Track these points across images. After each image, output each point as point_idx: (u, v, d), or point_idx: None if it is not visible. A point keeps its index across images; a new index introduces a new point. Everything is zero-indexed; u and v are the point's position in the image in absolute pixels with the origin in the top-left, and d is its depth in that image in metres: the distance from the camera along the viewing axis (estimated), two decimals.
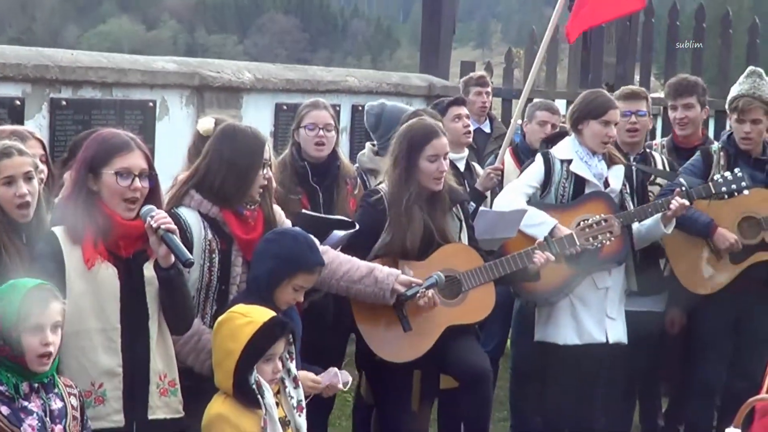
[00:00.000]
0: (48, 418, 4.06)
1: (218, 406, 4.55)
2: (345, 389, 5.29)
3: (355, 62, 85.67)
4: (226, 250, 5.11)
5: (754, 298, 6.78)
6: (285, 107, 9.13)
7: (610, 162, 6.74)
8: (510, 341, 7.62)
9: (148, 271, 4.57)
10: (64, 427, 4.11)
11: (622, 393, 7.17)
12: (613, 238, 6.44)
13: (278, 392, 4.70)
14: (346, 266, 5.65)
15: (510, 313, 7.26)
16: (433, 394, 6.38)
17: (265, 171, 5.16)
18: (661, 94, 9.37)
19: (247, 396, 4.51)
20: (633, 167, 6.91)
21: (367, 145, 7.21)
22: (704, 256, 6.80)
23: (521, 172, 6.97)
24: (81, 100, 7.31)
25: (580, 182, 6.67)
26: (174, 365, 4.71)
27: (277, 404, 4.63)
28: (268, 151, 5.21)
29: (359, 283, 5.65)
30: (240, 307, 4.68)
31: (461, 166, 7.22)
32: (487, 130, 8.99)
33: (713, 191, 6.62)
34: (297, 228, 5.30)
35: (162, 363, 4.62)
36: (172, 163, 6.28)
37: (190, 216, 5.08)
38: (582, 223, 6.46)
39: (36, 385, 4.08)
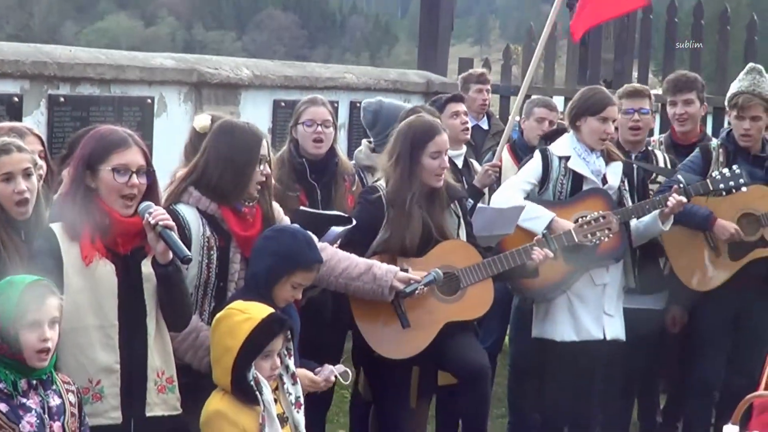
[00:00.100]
0: (46, 415, 4.06)
1: (216, 403, 4.56)
2: (346, 382, 5.29)
3: (354, 58, 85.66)
4: (224, 247, 5.12)
5: (754, 294, 6.78)
6: (283, 104, 9.13)
7: (609, 159, 6.73)
8: (508, 338, 7.62)
9: (146, 267, 4.57)
10: (63, 424, 4.11)
11: (620, 390, 7.17)
12: (611, 235, 6.44)
13: (276, 389, 4.70)
14: (345, 263, 5.64)
15: (508, 310, 7.26)
16: (431, 391, 6.38)
17: (262, 167, 5.15)
18: (658, 91, 9.36)
19: (245, 392, 4.51)
20: (634, 165, 6.91)
21: (364, 142, 7.21)
22: (703, 253, 6.80)
23: (519, 168, 6.97)
24: (79, 97, 7.31)
25: (578, 179, 6.67)
26: (172, 362, 4.70)
27: (276, 401, 4.63)
28: (266, 147, 5.21)
29: (358, 280, 5.65)
30: (238, 304, 4.68)
31: (459, 162, 7.23)
32: (485, 126, 8.99)
33: (711, 188, 6.62)
34: (295, 225, 5.30)
35: (160, 360, 4.62)
36: (170, 159, 6.28)
37: (188, 213, 5.08)
38: (580, 219, 6.46)
39: (34, 382, 4.08)
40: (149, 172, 4.59)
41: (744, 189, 6.62)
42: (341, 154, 6.68)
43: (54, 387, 4.16)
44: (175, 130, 7.70)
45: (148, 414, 4.56)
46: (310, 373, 5.06)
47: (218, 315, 4.67)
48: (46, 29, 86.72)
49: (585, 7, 8.19)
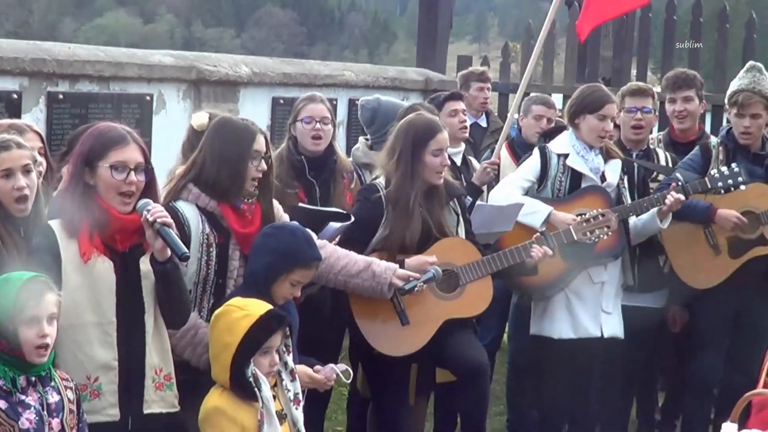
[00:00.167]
0: (45, 412, 4.07)
1: (215, 399, 4.56)
2: (347, 380, 5.29)
3: (352, 56, 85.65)
4: (223, 244, 5.12)
5: (754, 292, 6.78)
6: (282, 101, 9.14)
7: (607, 156, 6.74)
8: (507, 335, 7.62)
9: (144, 265, 4.57)
10: (61, 421, 4.12)
11: (619, 388, 7.17)
12: (610, 233, 6.44)
13: (275, 385, 4.70)
14: (344, 260, 5.65)
15: (507, 307, 7.27)
16: (430, 388, 6.39)
17: (257, 163, 5.14)
18: (657, 89, 9.37)
19: (244, 389, 4.52)
20: (634, 163, 6.92)
21: (361, 139, 7.21)
22: (703, 251, 6.79)
23: (519, 166, 6.97)
24: (78, 94, 7.31)
25: (576, 177, 6.67)
26: (170, 359, 4.70)
27: (274, 397, 4.63)
28: (263, 143, 5.18)
29: (357, 277, 5.65)
30: (237, 300, 4.68)
31: (458, 160, 7.22)
32: (484, 124, 8.99)
33: (709, 186, 6.62)
34: (295, 223, 5.30)
35: (158, 357, 4.62)
36: (168, 156, 6.28)
37: (188, 210, 5.09)
38: (579, 217, 6.46)
39: (33, 378, 4.08)
40: (148, 169, 4.59)
41: (743, 187, 6.62)
42: (340, 151, 6.68)
43: (53, 384, 4.16)
44: (173, 127, 7.69)
45: (145, 411, 4.56)
46: (309, 370, 5.06)
47: (217, 311, 4.67)
48: (45, 26, 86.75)
49: (589, 6, 8.19)
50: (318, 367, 5.13)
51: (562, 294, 6.62)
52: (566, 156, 6.67)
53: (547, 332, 6.67)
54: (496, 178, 7.31)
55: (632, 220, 6.72)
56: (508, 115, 8.08)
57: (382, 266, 5.68)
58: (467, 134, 7.48)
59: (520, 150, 7.73)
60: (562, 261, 6.47)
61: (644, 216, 6.67)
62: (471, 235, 6.19)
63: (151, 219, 4.44)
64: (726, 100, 6.97)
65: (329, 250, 5.59)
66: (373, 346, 5.88)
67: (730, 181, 6.58)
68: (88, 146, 4.56)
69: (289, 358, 4.76)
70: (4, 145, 4.58)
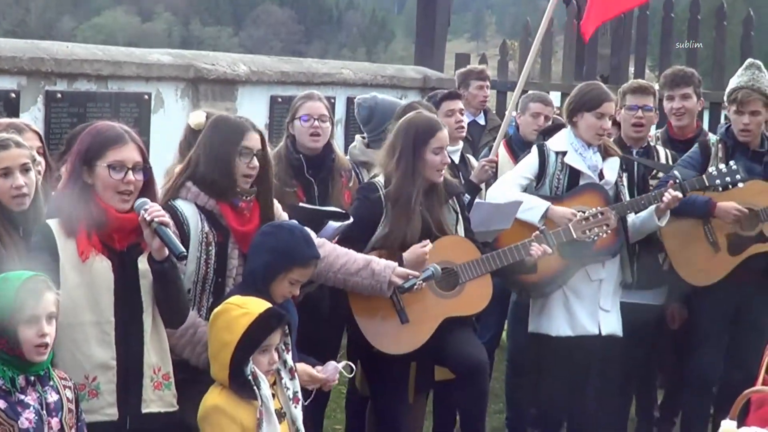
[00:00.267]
0: (44, 411, 4.07)
1: (214, 398, 4.55)
2: (350, 375, 5.29)
3: (350, 54, 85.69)
4: (222, 243, 5.11)
5: (753, 289, 6.77)
6: (280, 99, 9.14)
7: (606, 154, 6.74)
8: (506, 333, 7.62)
9: (143, 264, 4.56)
10: (61, 420, 4.12)
11: (618, 386, 7.17)
12: (609, 231, 6.45)
13: (274, 384, 4.70)
14: (343, 259, 5.65)
15: (506, 305, 7.27)
16: (429, 386, 6.40)
17: (249, 160, 5.12)
18: (655, 86, 9.37)
19: (243, 387, 4.51)
20: (634, 161, 6.92)
21: (357, 137, 7.21)
22: (703, 248, 6.79)
23: (517, 164, 6.97)
24: (76, 93, 7.31)
25: (574, 174, 6.68)
26: (168, 358, 4.70)
27: (273, 396, 4.63)
28: (255, 140, 5.15)
29: (356, 275, 5.65)
30: (236, 299, 4.68)
31: (456, 158, 7.21)
32: (482, 122, 8.98)
33: (707, 184, 6.62)
34: (293, 221, 5.29)
35: (156, 356, 4.62)
36: (167, 155, 6.29)
37: (186, 208, 5.08)
38: (579, 215, 6.46)
39: (32, 378, 4.08)
40: (146, 168, 4.59)
41: (740, 185, 6.62)
42: (338, 150, 6.67)
43: (51, 383, 4.16)
44: (172, 126, 7.69)
45: (144, 410, 4.56)
46: (309, 369, 5.06)
47: (216, 310, 4.67)
48: (42, 25, 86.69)
49: (593, 6, 8.19)
50: (319, 366, 5.13)
51: (560, 291, 6.62)
52: (564, 154, 6.67)
53: (545, 330, 6.67)
54: (494, 176, 7.31)
55: (631, 217, 6.73)
56: (506, 112, 8.07)
57: (381, 264, 5.68)
58: (464, 134, 7.48)
59: (517, 148, 7.73)
60: (561, 258, 6.48)
61: (642, 214, 6.68)
62: (470, 234, 6.19)
63: (148, 218, 4.44)
64: (725, 98, 6.97)
65: (328, 248, 5.59)
66: (372, 345, 5.88)
67: (728, 179, 6.58)
68: (86, 145, 4.56)
69: (288, 357, 4.76)
70: (3, 144, 4.59)
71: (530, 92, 8.48)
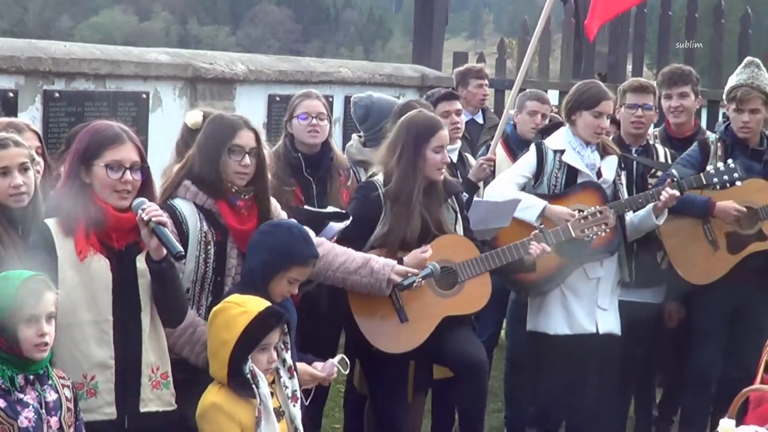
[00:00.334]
0: (44, 410, 4.06)
1: (213, 396, 4.56)
2: (345, 371, 5.29)
3: (348, 53, 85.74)
4: (221, 242, 5.11)
5: (752, 288, 6.77)
6: (278, 98, 9.14)
7: (604, 153, 6.74)
8: (505, 332, 7.62)
9: (141, 263, 4.56)
10: (60, 419, 4.11)
11: (617, 385, 7.17)
12: (608, 230, 6.45)
13: (273, 382, 4.70)
14: (342, 258, 5.65)
15: (505, 304, 7.27)
16: (427, 385, 6.40)
17: (240, 158, 5.10)
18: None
19: (241, 385, 4.51)
20: (633, 159, 6.92)
21: (354, 136, 7.21)
22: (702, 246, 6.79)
23: (514, 162, 6.97)
24: (74, 92, 7.31)
25: (572, 173, 6.67)
26: (166, 358, 4.70)
27: (272, 394, 4.63)
28: (248, 138, 5.13)
29: (355, 274, 5.65)
30: (235, 297, 4.68)
31: (454, 157, 7.20)
32: (480, 120, 8.98)
33: (705, 182, 6.61)
34: (292, 220, 5.29)
35: (154, 355, 4.61)
36: (165, 154, 6.29)
37: (185, 207, 5.08)
38: (577, 214, 6.46)
39: (31, 377, 4.08)
40: (143, 168, 4.59)
41: (738, 183, 6.62)
42: (336, 148, 6.68)
43: (50, 382, 4.16)
44: (170, 125, 7.69)
45: (142, 410, 4.56)
46: (311, 369, 5.06)
47: (215, 308, 4.67)
48: (40, 24, 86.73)
49: (597, 6, 8.19)
50: (317, 363, 5.13)
51: (557, 290, 6.62)
52: (562, 152, 6.67)
53: (543, 328, 6.67)
54: (493, 174, 7.31)
55: (629, 216, 6.73)
56: (504, 111, 8.07)
57: (380, 263, 5.68)
58: (461, 134, 7.48)
59: (515, 146, 7.73)
60: (559, 257, 6.48)
61: (640, 212, 6.68)
62: (469, 232, 6.19)
63: (146, 218, 4.44)
64: (724, 96, 6.97)
65: (327, 247, 5.59)
66: (371, 343, 5.88)
67: (725, 177, 6.58)
68: (83, 145, 4.56)
69: (287, 355, 4.76)
70: (2, 143, 4.59)
71: (527, 90, 8.49)
